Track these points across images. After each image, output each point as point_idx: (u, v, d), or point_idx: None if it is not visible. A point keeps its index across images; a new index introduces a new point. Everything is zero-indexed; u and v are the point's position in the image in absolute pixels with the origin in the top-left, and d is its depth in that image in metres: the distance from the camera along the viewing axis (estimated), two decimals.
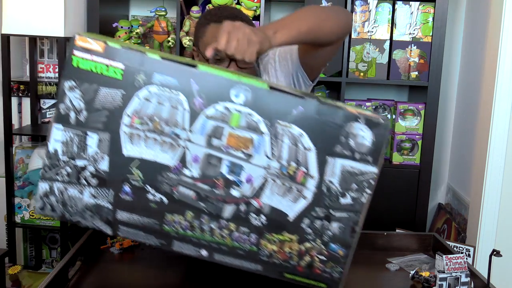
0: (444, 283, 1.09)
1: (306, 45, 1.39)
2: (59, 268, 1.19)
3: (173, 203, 1.03)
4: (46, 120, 2.78)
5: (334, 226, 1.03)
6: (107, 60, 0.98)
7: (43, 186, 1.04)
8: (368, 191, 1.01)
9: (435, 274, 1.14)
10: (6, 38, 2.38)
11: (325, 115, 0.98)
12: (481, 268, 1.92)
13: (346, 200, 1.01)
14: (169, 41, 2.55)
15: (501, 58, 2.20)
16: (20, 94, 2.75)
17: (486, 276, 1.24)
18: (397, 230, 1.96)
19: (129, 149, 1.01)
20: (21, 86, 2.74)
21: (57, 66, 2.66)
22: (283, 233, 1.04)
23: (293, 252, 1.05)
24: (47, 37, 2.67)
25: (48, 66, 2.75)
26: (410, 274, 1.27)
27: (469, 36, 2.70)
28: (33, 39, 2.67)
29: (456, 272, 1.10)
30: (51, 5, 2.33)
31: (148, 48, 1.27)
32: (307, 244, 1.04)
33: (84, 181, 1.03)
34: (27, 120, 2.75)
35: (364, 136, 0.98)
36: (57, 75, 2.67)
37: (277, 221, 1.03)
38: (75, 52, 0.98)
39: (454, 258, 1.10)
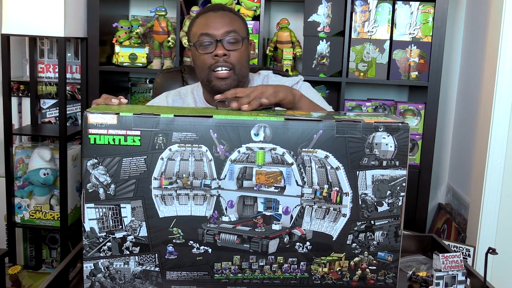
0: (440, 281, 1.09)
1: None
2: (60, 270, 1.18)
3: (218, 252, 1.04)
4: (46, 120, 2.79)
5: (378, 235, 1.05)
6: (123, 131, 0.99)
7: (87, 266, 1.04)
8: (402, 193, 1.03)
9: (433, 274, 1.13)
10: (6, 38, 2.38)
11: (345, 132, 1.00)
12: (481, 268, 1.91)
13: (384, 208, 1.04)
14: (169, 41, 2.55)
15: (501, 58, 2.19)
16: (20, 94, 2.75)
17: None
18: None
19: (164, 211, 1.02)
20: (21, 86, 2.74)
21: (57, 66, 2.66)
22: (331, 254, 1.05)
23: (344, 270, 1.06)
24: (47, 37, 2.67)
25: (48, 66, 2.76)
26: (407, 275, 1.26)
27: (469, 36, 2.70)
28: (33, 39, 2.68)
29: (452, 271, 1.10)
30: (51, 5, 2.34)
31: (160, 106, 1.28)
32: (356, 259, 1.06)
33: (127, 251, 1.04)
34: (27, 120, 2.76)
35: (387, 143, 1.01)
36: (57, 75, 2.67)
37: (322, 244, 1.04)
38: (90, 130, 0.99)
39: (450, 257, 1.10)
